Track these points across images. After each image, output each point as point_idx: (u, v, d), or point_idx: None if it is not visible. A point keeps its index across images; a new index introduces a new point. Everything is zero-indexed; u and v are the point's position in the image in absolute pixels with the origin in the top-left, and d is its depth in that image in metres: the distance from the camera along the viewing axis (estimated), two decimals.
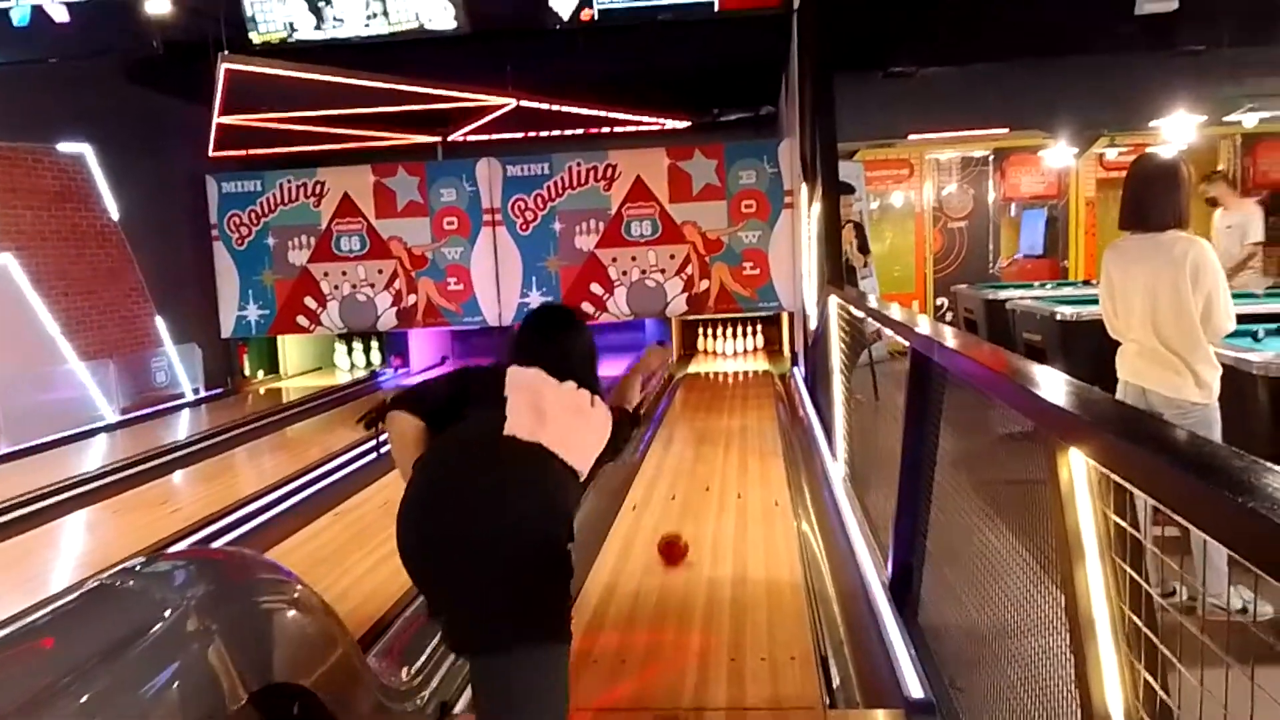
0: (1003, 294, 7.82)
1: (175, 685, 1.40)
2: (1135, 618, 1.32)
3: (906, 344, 2.98)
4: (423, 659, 2.99)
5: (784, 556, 4.08)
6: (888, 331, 6.68)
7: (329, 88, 6.31)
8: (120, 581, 1.56)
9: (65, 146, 8.46)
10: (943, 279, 11.22)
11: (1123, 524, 1.37)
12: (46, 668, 1.31)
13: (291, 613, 1.91)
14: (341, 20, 4.46)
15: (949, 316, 10.48)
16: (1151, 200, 3.47)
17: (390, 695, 2.41)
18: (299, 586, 2.00)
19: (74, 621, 1.44)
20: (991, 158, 11.45)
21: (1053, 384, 1.65)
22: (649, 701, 2.73)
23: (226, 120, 7.05)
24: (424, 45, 4.85)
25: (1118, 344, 3.69)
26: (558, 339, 2.38)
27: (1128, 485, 1.28)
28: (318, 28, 4.53)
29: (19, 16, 4.78)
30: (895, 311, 3.94)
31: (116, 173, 8.82)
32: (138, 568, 1.68)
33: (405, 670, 2.89)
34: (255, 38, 4.66)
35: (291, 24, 4.57)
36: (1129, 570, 1.35)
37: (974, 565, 2.85)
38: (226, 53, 5.14)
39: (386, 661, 2.99)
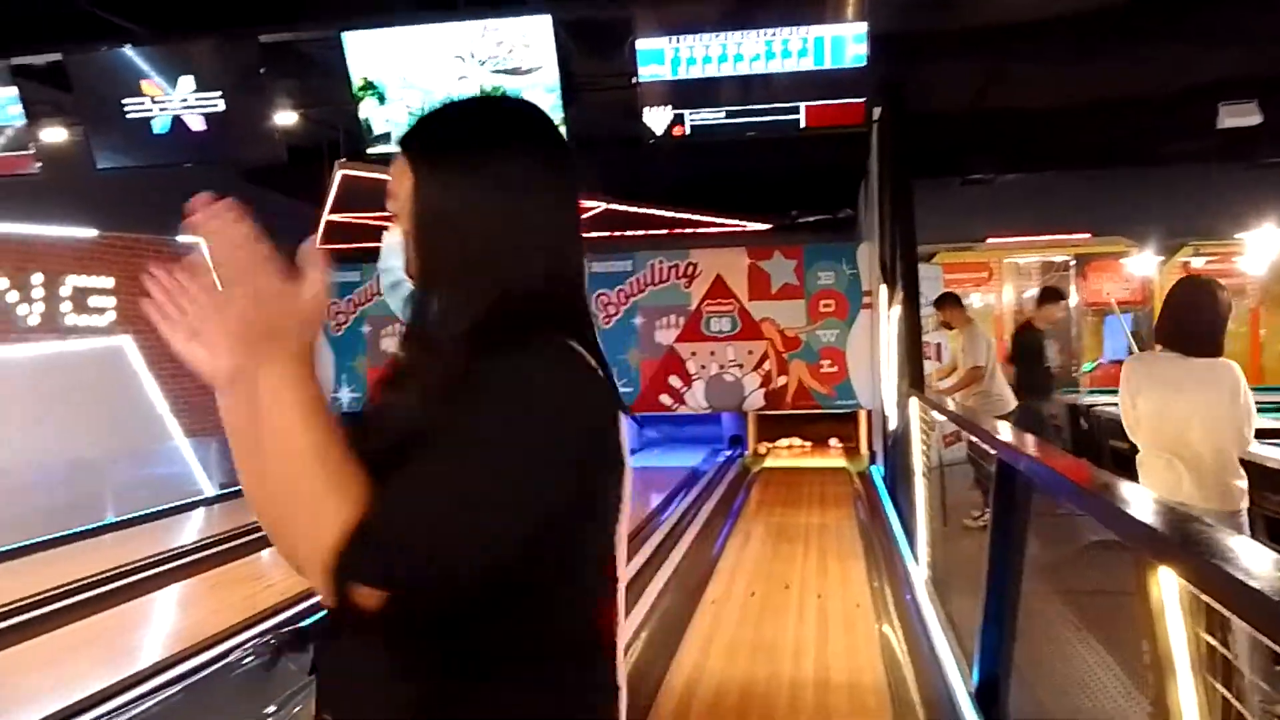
0: (1086, 400, 7.74)
1: None
2: None
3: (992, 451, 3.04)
4: None
5: (866, 660, 4.07)
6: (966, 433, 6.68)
7: None
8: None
9: (183, 238, 9.07)
10: None
11: (1215, 644, 1.43)
12: None
13: None
14: None
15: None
16: (1195, 325, 3.50)
17: None
18: None
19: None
20: (1073, 263, 11.42)
21: (1142, 502, 1.71)
22: None
23: (334, 217, 7.53)
24: None
25: None
26: None
27: (1219, 607, 1.35)
28: None
29: (160, 126, 5.26)
30: (980, 419, 4.00)
31: None
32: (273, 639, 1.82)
33: None
34: (375, 149, 5.05)
35: None
36: (1222, 690, 1.40)
37: (1063, 677, 2.85)
38: (344, 159, 5.58)
39: None
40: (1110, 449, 6.46)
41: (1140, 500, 1.77)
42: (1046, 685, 3.01)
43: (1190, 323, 3.52)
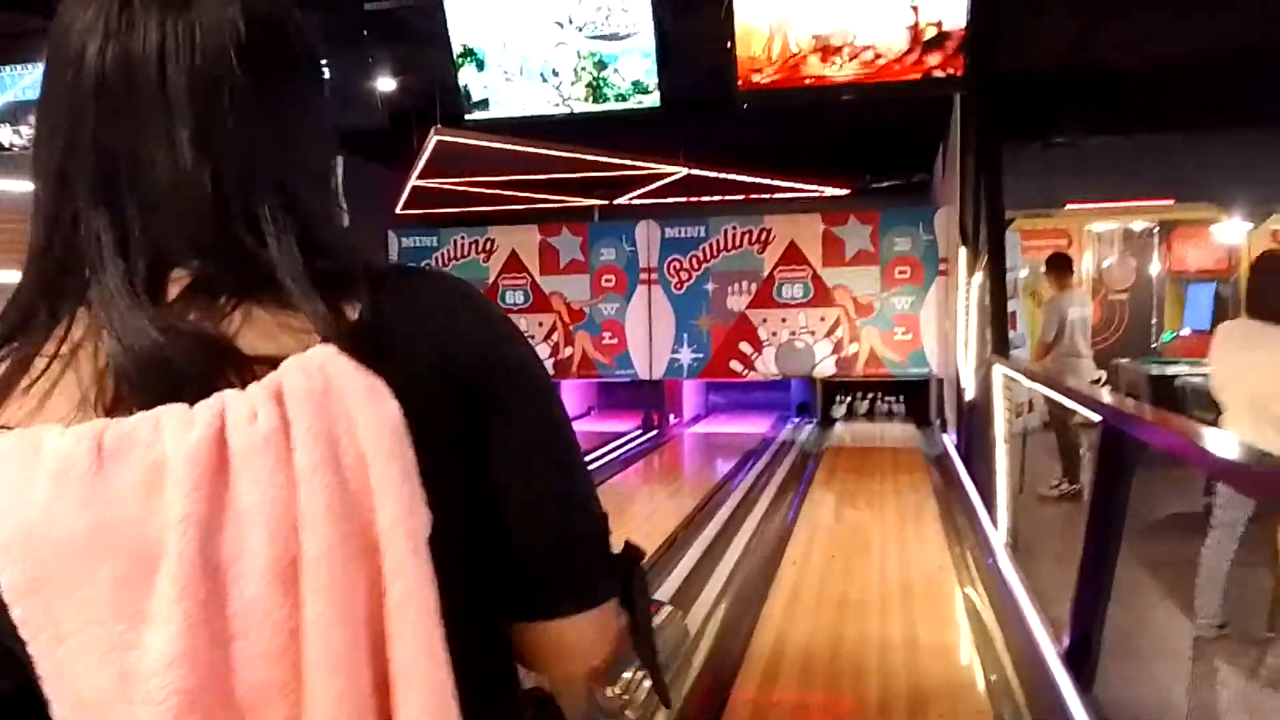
0: (1170, 370, 7.62)
1: None
2: None
3: (1096, 417, 3.06)
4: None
5: (952, 620, 4.14)
6: (1039, 401, 6.67)
7: (517, 155, 6.84)
8: None
9: None
10: (1101, 352, 10.89)
11: None
12: None
13: None
14: (566, 99, 4.91)
15: (1107, 391, 10.20)
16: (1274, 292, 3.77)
17: None
18: None
19: None
20: (1156, 230, 11.16)
21: (1271, 460, 1.76)
22: None
23: (421, 182, 7.69)
24: (609, 119, 5.24)
25: None
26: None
27: None
28: (532, 111, 5.00)
29: None
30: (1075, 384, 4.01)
31: None
32: None
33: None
34: (472, 115, 5.17)
35: (519, 103, 5.05)
36: None
37: (1153, 641, 2.90)
38: (439, 125, 5.71)
39: None
40: (1198, 420, 6.37)
41: (1267, 459, 1.81)
42: (1141, 648, 3.05)
43: (1271, 292, 3.77)
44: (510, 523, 0.68)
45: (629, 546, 0.79)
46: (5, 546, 0.57)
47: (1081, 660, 3.34)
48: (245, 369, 0.61)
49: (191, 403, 0.59)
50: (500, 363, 0.70)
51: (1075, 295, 7.51)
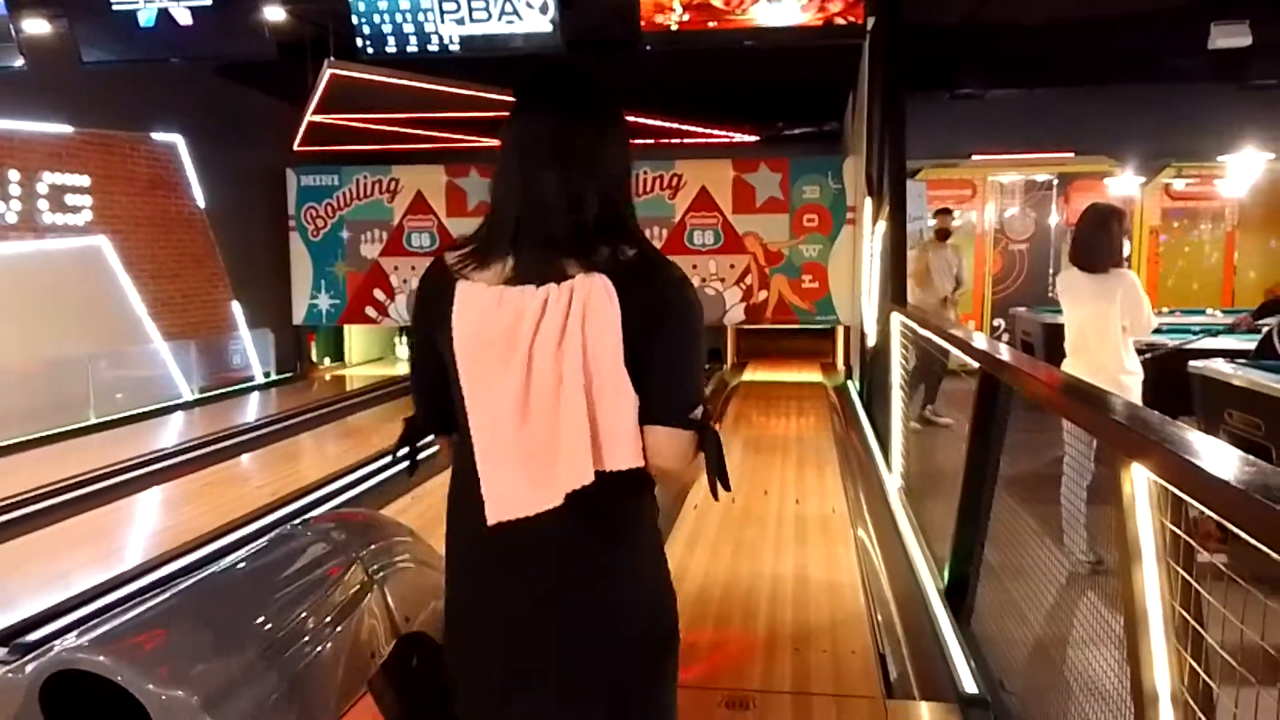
0: (1061, 318, 7.88)
1: (347, 630, 1.65)
2: (1184, 612, 1.51)
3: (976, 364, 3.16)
4: None
5: (843, 560, 4.27)
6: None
7: (417, 93, 6.64)
8: (302, 532, 1.81)
9: (159, 135, 8.91)
10: (1001, 300, 11.26)
11: (1178, 531, 1.56)
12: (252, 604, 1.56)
13: (422, 567, 2.12)
14: (464, 35, 4.75)
15: (1005, 338, 10.54)
16: (1091, 243, 4.14)
17: None
18: (423, 543, 2.21)
19: (267, 564, 1.69)
20: (1055, 182, 11.47)
21: (1120, 407, 1.83)
22: (719, 683, 2.95)
23: (317, 118, 7.41)
24: (510, 58, 5.11)
25: (1179, 373, 4.34)
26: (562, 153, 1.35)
27: (1185, 497, 1.47)
28: (426, 45, 4.82)
29: (146, 18, 5.13)
30: (961, 333, 4.13)
31: (205, 162, 9.25)
32: (310, 521, 1.93)
33: None
34: (368, 46, 4.95)
35: (411, 37, 4.86)
36: (1180, 570, 1.54)
37: (1027, 579, 3.03)
38: (332, 59, 5.48)
39: None
40: None
41: (1117, 405, 1.89)
42: (1013, 585, 3.19)
43: (1084, 242, 4.17)
44: (652, 376, 1.36)
45: (706, 413, 1.41)
46: (464, 333, 1.36)
47: (959, 598, 3.49)
48: (561, 279, 1.33)
49: (538, 285, 1.33)
50: (672, 309, 1.37)
51: None
